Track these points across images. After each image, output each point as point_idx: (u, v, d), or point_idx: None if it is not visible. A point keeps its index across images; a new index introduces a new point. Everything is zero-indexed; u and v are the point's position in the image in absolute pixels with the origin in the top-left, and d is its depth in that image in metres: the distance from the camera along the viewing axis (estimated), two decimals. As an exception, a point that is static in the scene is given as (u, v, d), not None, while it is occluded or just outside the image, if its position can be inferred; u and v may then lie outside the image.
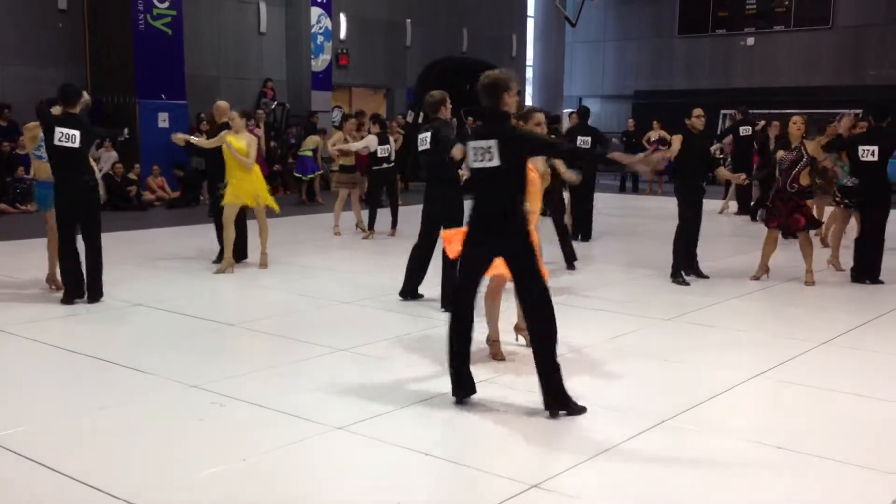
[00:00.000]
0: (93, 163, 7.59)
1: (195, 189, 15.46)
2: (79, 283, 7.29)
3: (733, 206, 14.80)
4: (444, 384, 5.14)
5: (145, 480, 3.82)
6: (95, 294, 7.29)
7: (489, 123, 4.70)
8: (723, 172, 9.09)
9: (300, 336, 6.29)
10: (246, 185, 8.68)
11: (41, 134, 7.29)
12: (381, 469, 3.97)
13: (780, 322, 7.15)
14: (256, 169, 8.82)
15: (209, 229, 9.32)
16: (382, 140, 11.47)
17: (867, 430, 4.56)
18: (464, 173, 7.50)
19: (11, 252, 10.00)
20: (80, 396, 4.96)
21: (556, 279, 6.12)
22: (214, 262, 9.11)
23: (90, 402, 4.85)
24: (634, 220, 14.20)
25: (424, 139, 7.21)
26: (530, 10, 25.31)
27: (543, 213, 6.74)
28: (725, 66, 24.25)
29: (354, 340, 6.13)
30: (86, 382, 5.22)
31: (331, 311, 7.26)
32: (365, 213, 11.79)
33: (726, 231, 12.61)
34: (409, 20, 21.35)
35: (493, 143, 4.57)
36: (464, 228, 5.61)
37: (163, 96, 15.59)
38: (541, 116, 5.78)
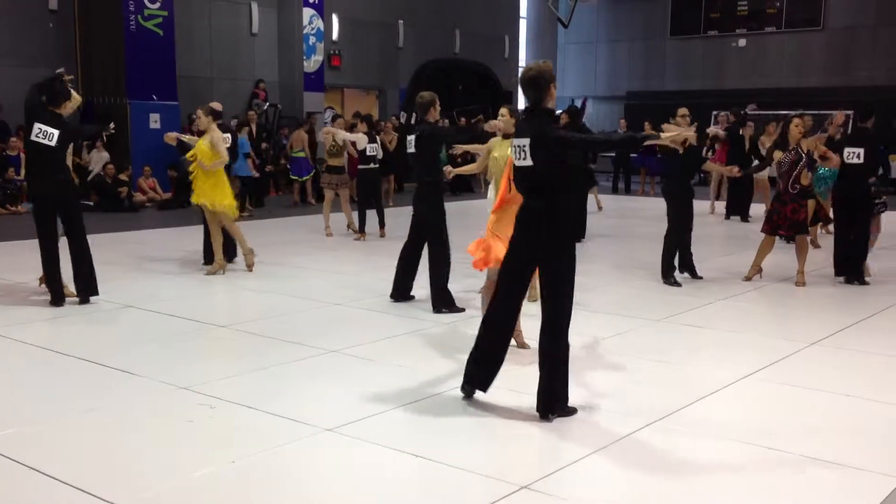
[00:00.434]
0: (69, 163, 7.49)
1: (187, 190, 15.40)
2: (62, 289, 7.24)
3: (719, 206, 14.85)
4: (434, 385, 5.14)
5: (134, 483, 3.80)
6: (89, 292, 7.23)
7: (529, 120, 4.56)
8: (711, 165, 9.09)
9: (290, 337, 6.28)
10: (207, 186, 8.58)
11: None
12: (371, 470, 3.97)
13: (771, 323, 7.17)
14: (220, 173, 8.63)
15: (201, 231, 9.29)
16: (371, 139, 11.47)
17: (856, 430, 4.57)
18: (449, 171, 7.54)
19: (1, 253, 9.95)
20: (68, 398, 4.94)
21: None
22: (205, 263, 9.09)
23: (79, 403, 4.83)
24: (627, 220, 14.22)
25: (411, 142, 7.22)
26: (523, 11, 25.35)
27: None
28: (717, 68, 24.32)
29: (344, 342, 6.12)
30: (75, 384, 5.20)
31: (321, 312, 7.25)
32: (355, 215, 11.77)
33: (718, 232, 12.65)
34: (401, 21, 21.35)
35: (526, 141, 4.46)
36: (483, 238, 5.65)
37: (154, 97, 15.57)
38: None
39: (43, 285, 7.58)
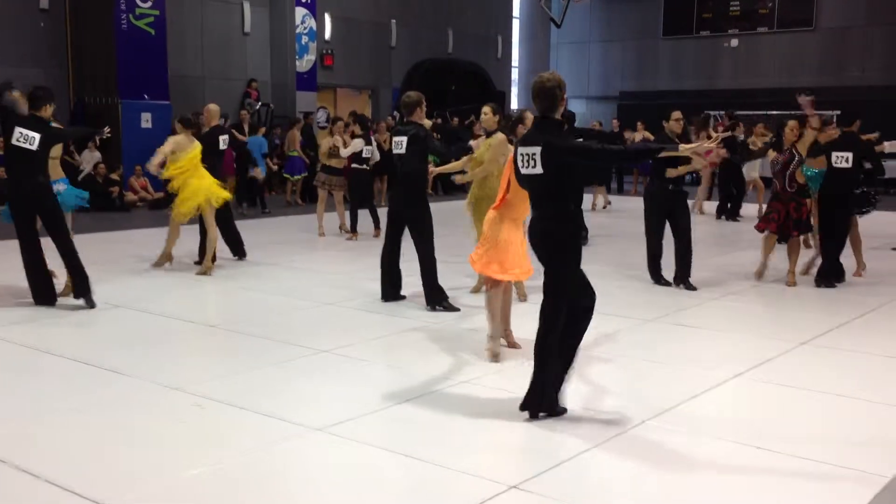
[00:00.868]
0: (57, 166, 7.42)
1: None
2: (48, 290, 7.19)
3: (708, 206, 14.89)
4: (425, 385, 5.14)
5: (124, 483, 3.79)
6: (83, 292, 7.13)
7: (539, 129, 4.57)
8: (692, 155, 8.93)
9: (281, 337, 6.27)
10: (203, 187, 8.64)
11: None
12: (361, 470, 3.96)
13: (762, 322, 7.18)
14: (192, 178, 8.66)
15: (192, 230, 9.26)
16: (366, 141, 11.49)
17: (846, 429, 4.59)
18: (432, 171, 7.56)
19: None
20: (57, 398, 4.92)
21: (538, 279, 6.10)
22: (196, 262, 9.07)
23: (68, 404, 4.81)
24: (620, 220, 14.23)
25: (399, 143, 7.15)
26: (515, 11, 25.35)
27: None
28: (710, 68, 24.37)
29: (336, 341, 6.11)
30: (64, 384, 5.18)
31: (312, 312, 7.23)
32: (347, 215, 11.76)
33: (709, 231, 12.67)
34: (394, 21, 21.33)
35: (537, 150, 4.45)
36: (480, 251, 5.68)
37: (146, 97, 15.52)
38: (531, 116, 5.79)
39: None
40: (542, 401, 4.59)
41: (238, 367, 5.57)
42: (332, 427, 4.42)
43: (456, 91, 21.99)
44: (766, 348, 6.08)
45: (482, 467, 3.98)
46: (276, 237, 11.64)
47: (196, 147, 8.75)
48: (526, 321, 6.00)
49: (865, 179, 9.16)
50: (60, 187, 7.55)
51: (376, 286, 7.68)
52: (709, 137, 11.84)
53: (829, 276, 8.42)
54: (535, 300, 6.64)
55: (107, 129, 8.36)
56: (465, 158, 7.36)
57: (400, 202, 7.27)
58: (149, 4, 15.51)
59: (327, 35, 19.84)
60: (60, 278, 7.49)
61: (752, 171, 13.83)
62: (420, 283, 7.23)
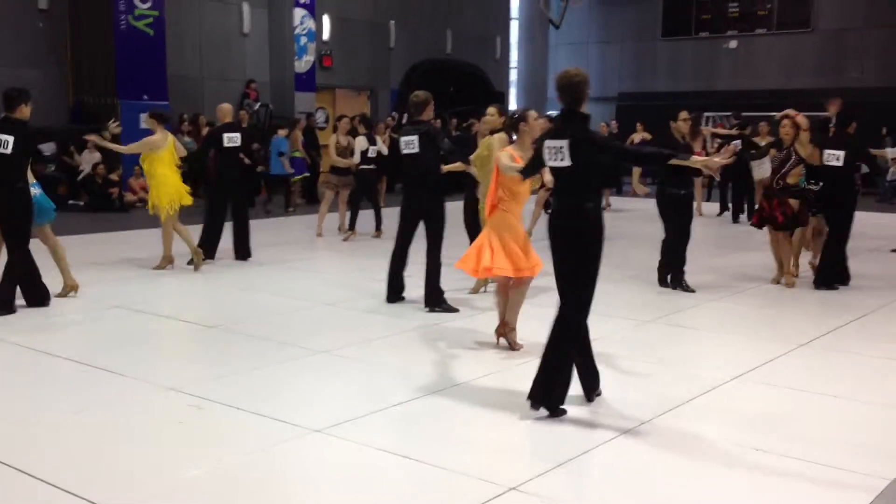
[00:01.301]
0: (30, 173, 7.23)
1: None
2: (41, 292, 7.12)
3: (708, 208, 14.90)
4: (424, 386, 5.14)
5: (121, 484, 3.79)
6: (38, 299, 7.03)
7: (566, 123, 4.66)
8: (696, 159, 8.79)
9: (280, 337, 6.27)
10: (170, 187, 8.74)
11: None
12: (359, 472, 3.96)
13: (760, 324, 7.18)
14: (163, 174, 8.74)
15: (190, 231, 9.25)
16: (370, 140, 11.49)
17: (845, 431, 4.59)
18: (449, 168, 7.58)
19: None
20: (55, 399, 4.92)
21: (538, 279, 6.12)
22: (189, 263, 9.08)
23: (66, 404, 4.81)
24: (618, 221, 14.23)
25: (411, 142, 7.11)
26: (514, 12, 25.34)
27: (546, 208, 6.75)
28: (708, 69, 24.37)
29: (334, 342, 6.11)
30: (62, 385, 5.18)
31: (311, 312, 7.23)
32: (329, 217, 11.77)
33: (708, 233, 12.67)
34: (392, 21, 21.32)
35: (564, 143, 4.55)
36: (472, 248, 5.74)
37: (145, 97, 15.49)
38: (534, 114, 5.84)
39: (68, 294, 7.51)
40: (551, 399, 4.62)
41: (237, 367, 5.57)
42: (331, 428, 4.42)
43: (455, 92, 21.98)
44: (766, 350, 6.08)
45: (481, 468, 3.98)
46: (277, 238, 11.63)
47: (170, 141, 8.85)
48: (530, 323, 6.01)
49: (864, 181, 9.15)
50: (35, 191, 7.23)
51: (376, 286, 7.68)
52: (704, 140, 11.84)
53: (829, 278, 8.41)
54: (536, 301, 6.66)
55: (113, 123, 8.20)
56: (475, 155, 7.46)
57: (417, 201, 7.20)
58: (148, 5, 15.49)
59: (326, 36, 19.83)
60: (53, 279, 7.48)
61: (764, 172, 13.68)
62: (416, 284, 7.23)
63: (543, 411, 4.67)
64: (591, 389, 4.89)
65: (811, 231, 9.41)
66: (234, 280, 8.61)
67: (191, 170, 14.49)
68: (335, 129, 12.32)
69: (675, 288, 8.20)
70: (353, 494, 3.73)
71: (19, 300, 7.18)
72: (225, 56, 18.05)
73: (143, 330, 6.59)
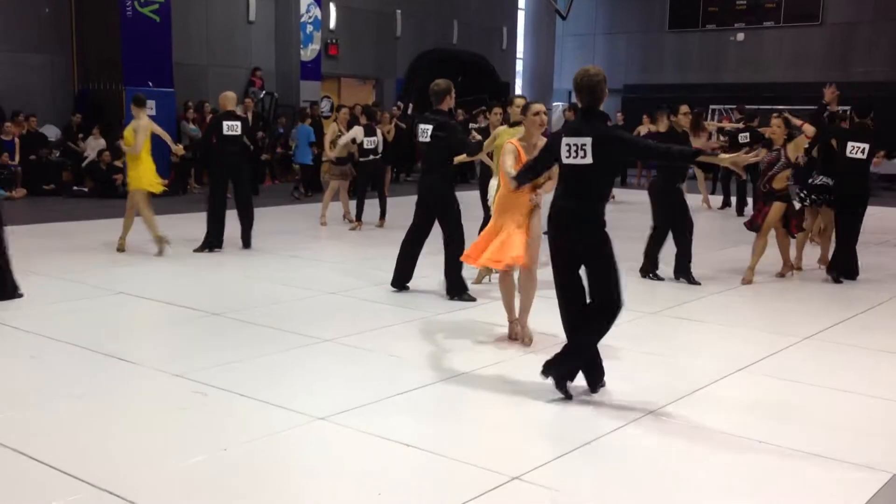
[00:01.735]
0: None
1: (182, 178, 15.38)
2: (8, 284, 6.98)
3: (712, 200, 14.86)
4: (429, 375, 5.14)
5: (127, 469, 3.79)
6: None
7: (587, 120, 4.68)
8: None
9: (284, 326, 6.27)
10: (137, 171, 8.94)
11: None
12: (363, 460, 3.96)
13: (765, 317, 7.16)
14: (143, 156, 8.96)
15: (193, 218, 9.27)
16: (369, 132, 11.46)
17: (849, 424, 4.58)
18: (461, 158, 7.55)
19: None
20: (61, 385, 4.92)
21: (539, 273, 6.11)
22: (196, 250, 9.10)
23: (71, 390, 4.82)
24: (621, 213, 14.20)
25: (426, 131, 7.08)
26: (521, 3, 25.26)
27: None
28: (715, 62, 24.28)
29: (339, 331, 6.11)
30: (67, 371, 5.19)
31: (315, 301, 7.23)
32: (352, 205, 11.76)
33: (714, 226, 12.64)
34: (399, 11, 21.27)
35: (588, 140, 4.56)
36: (477, 241, 5.70)
37: (150, 84, 15.48)
38: (539, 107, 5.78)
39: None
40: (562, 372, 4.70)
41: (241, 355, 5.57)
42: (335, 416, 4.42)
43: (461, 82, 21.91)
44: (771, 343, 6.07)
45: (485, 458, 3.98)
46: (281, 226, 11.63)
47: (149, 125, 9.02)
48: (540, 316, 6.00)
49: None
50: None
51: (380, 275, 7.68)
52: (709, 135, 11.78)
53: (845, 266, 8.38)
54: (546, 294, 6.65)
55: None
56: (486, 143, 7.45)
57: (427, 188, 7.20)
58: (154, -8, 15.48)
59: (332, 24, 19.79)
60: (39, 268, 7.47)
61: None
62: (422, 274, 7.22)
63: (546, 402, 4.67)
64: (596, 382, 4.91)
65: (816, 226, 9.37)
66: (238, 268, 8.61)
67: (194, 157, 14.54)
68: (334, 120, 12.30)
69: (679, 280, 8.20)
70: (357, 482, 3.73)
71: (34, 282, 7.20)
72: (231, 44, 18.03)
73: (147, 316, 6.59)
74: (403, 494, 3.63)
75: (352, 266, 8.94)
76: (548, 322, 5.83)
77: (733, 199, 14.80)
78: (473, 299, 7.11)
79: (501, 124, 7.98)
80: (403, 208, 12.66)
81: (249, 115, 15.49)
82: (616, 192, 17.31)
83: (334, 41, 19.81)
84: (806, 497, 3.71)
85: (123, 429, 4.28)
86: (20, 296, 6.91)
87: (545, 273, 5.57)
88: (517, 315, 5.95)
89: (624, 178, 19.68)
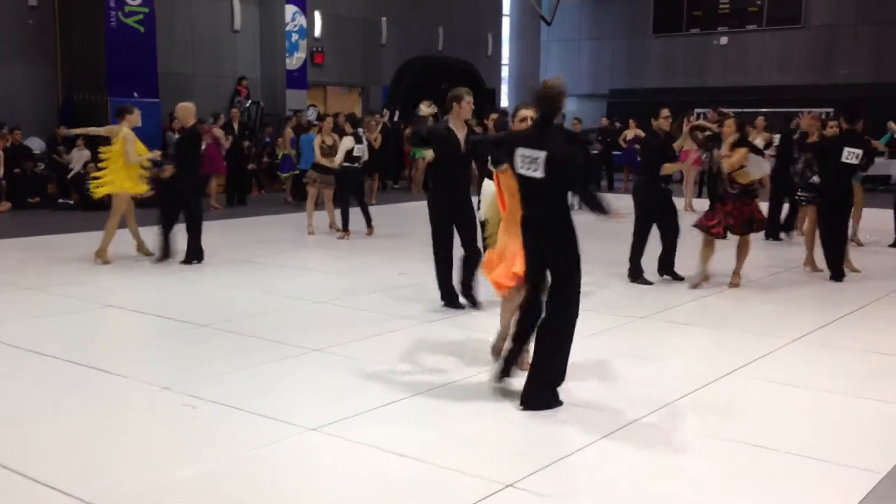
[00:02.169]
0: None
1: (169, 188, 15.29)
2: None
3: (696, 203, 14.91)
4: (420, 384, 5.13)
5: (117, 484, 3.76)
6: None
7: (543, 133, 4.69)
8: (670, 167, 8.68)
9: (273, 336, 6.24)
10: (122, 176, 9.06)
11: None
12: (355, 470, 3.95)
13: (753, 319, 7.18)
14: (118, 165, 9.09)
15: (180, 230, 9.21)
16: (357, 140, 11.45)
17: (838, 426, 4.60)
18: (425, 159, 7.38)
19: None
20: (49, 399, 4.88)
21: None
22: (183, 262, 9.07)
23: (59, 405, 4.78)
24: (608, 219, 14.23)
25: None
26: (506, 9, 25.34)
27: None
28: (700, 65, 24.42)
29: (327, 341, 6.09)
30: (55, 385, 5.14)
31: (303, 311, 7.21)
32: (337, 213, 11.72)
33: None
34: (384, 18, 21.29)
35: (542, 155, 4.58)
36: (492, 256, 5.50)
37: (135, 94, 15.42)
38: (527, 113, 5.62)
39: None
40: (545, 394, 4.69)
41: (230, 366, 5.54)
42: (326, 426, 4.40)
43: (446, 89, 21.96)
44: (759, 345, 6.09)
45: (477, 466, 3.97)
46: (267, 236, 11.60)
47: (121, 135, 9.07)
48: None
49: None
50: None
51: (368, 284, 7.67)
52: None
53: (841, 269, 8.50)
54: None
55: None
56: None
57: (459, 199, 7.04)
58: (138, 2, 15.42)
59: (317, 32, 19.78)
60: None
61: (763, 170, 13.55)
62: (411, 282, 7.21)
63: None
64: (508, 370, 4.94)
65: (810, 225, 9.34)
66: (226, 278, 8.57)
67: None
68: (319, 129, 12.26)
69: (663, 276, 8.33)
70: (349, 493, 3.71)
71: (23, 295, 7.16)
72: (216, 53, 17.99)
73: (134, 329, 6.56)
74: (402, 503, 3.63)
75: (339, 275, 8.92)
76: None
77: None
78: (461, 307, 7.11)
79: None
80: (391, 217, 12.69)
81: (236, 125, 15.48)
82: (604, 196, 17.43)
83: (320, 49, 19.80)
84: (798, 499, 3.72)
85: (112, 443, 4.24)
86: None
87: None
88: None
89: (611, 183, 19.76)
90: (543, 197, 4.67)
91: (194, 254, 9.13)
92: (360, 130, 12.25)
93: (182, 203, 9.03)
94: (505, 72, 25.57)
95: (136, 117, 9.35)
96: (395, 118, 19.93)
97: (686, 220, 8.82)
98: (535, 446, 4.33)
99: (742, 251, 8.16)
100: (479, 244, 6.73)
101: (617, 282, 8.41)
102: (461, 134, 6.90)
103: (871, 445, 4.30)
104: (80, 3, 15.41)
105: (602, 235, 12.06)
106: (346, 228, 11.40)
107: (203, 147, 9.39)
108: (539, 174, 4.59)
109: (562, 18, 24.98)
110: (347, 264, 9.61)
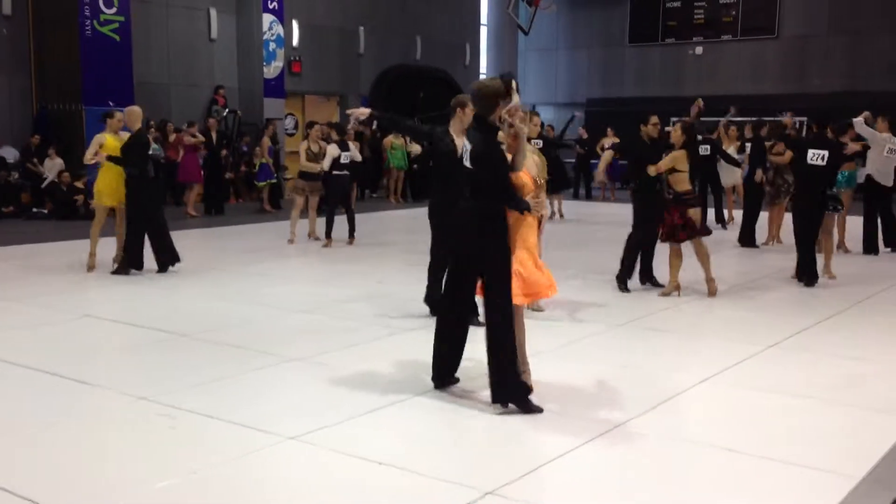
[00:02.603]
0: None
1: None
2: None
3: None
4: (399, 392, 5.12)
5: (94, 496, 3.73)
6: None
7: (475, 129, 4.87)
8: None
9: (252, 346, 6.21)
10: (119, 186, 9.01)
11: None
12: (335, 479, 3.93)
13: (731, 326, 7.25)
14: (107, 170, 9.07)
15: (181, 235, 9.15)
16: (343, 147, 11.45)
17: (815, 431, 4.65)
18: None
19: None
20: (24, 410, 4.83)
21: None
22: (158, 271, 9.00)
23: (35, 415, 4.73)
24: (587, 226, 14.33)
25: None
26: (483, 19, 25.45)
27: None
28: (675, 75, 24.65)
29: (307, 350, 6.07)
30: (30, 395, 5.09)
31: (284, 320, 7.18)
32: (320, 222, 11.70)
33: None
34: (362, 27, 21.30)
35: (469, 147, 4.82)
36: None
37: (110, 103, 15.30)
38: (520, 114, 5.58)
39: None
40: (505, 392, 4.74)
41: (209, 376, 5.50)
42: (306, 435, 4.39)
43: (424, 98, 22.00)
44: (737, 351, 6.15)
45: (457, 473, 3.97)
46: (246, 245, 11.55)
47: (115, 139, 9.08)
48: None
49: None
50: None
51: (348, 293, 7.65)
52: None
53: (814, 273, 8.59)
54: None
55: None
56: None
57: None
58: (113, 11, 15.33)
59: (295, 42, 19.75)
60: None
61: (734, 178, 13.68)
62: (374, 292, 7.21)
63: (519, 415, 4.69)
64: (445, 377, 5.11)
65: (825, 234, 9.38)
66: (206, 288, 8.52)
67: (157, 176, 14.37)
68: (306, 136, 12.24)
69: (643, 284, 8.40)
70: (329, 502, 3.70)
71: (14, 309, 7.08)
72: (192, 62, 17.91)
73: (112, 339, 6.50)
74: (377, 513, 3.62)
75: (320, 284, 8.89)
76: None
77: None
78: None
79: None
80: (369, 226, 12.68)
81: (213, 135, 15.41)
82: (580, 205, 17.52)
83: (297, 58, 19.77)
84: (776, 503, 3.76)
85: (90, 454, 4.20)
86: None
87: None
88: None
89: (588, 191, 19.88)
90: (479, 188, 4.79)
91: (166, 258, 9.06)
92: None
93: (140, 211, 8.93)
94: (483, 81, 25.63)
95: (116, 122, 9.27)
96: (374, 126, 19.90)
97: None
98: (514, 454, 4.33)
99: (699, 258, 8.06)
100: None
101: (596, 289, 8.45)
102: (459, 141, 6.87)
103: (847, 450, 4.35)
104: (55, 11, 15.29)
105: (586, 243, 12.14)
106: (328, 236, 11.36)
107: (181, 155, 9.28)
108: (469, 165, 4.82)
109: (539, 28, 25.14)
110: (327, 273, 9.59)
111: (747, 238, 11.55)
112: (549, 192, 9.61)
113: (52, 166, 14.73)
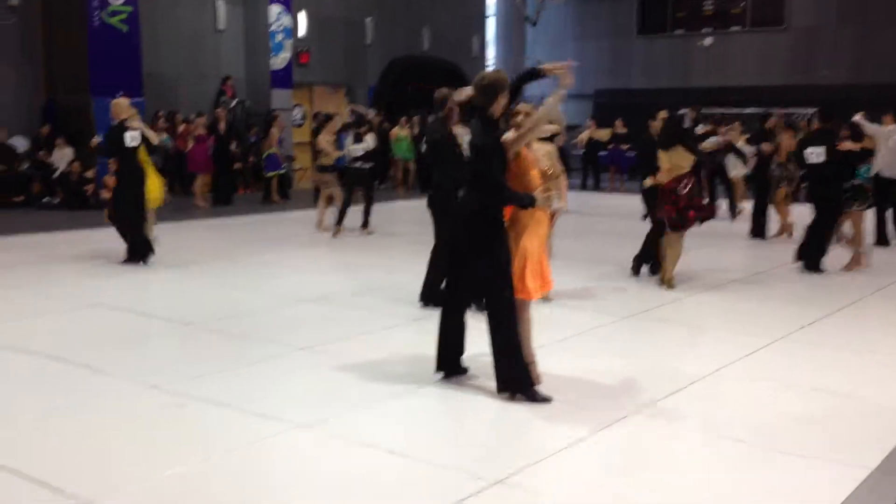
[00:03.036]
0: None
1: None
2: None
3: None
4: (408, 381, 5.14)
5: (106, 482, 3.76)
6: None
7: (477, 122, 4.84)
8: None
9: (261, 334, 6.24)
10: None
11: None
12: (344, 467, 3.96)
13: (740, 318, 7.23)
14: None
15: (166, 229, 9.19)
16: (357, 139, 11.44)
17: (825, 422, 4.65)
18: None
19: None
20: (36, 398, 4.87)
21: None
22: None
23: (47, 403, 4.76)
24: (596, 217, 14.30)
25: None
26: (491, 10, 25.38)
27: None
28: (683, 66, 24.56)
29: (315, 339, 6.09)
30: (42, 384, 5.12)
31: (291, 309, 7.20)
32: (329, 212, 11.69)
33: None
34: (369, 18, 21.27)
35: (467, 140, 4.87)
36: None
37: (119, 94, 15.33)
38: (524, 107, 5.50)
39: None
40: (514, 378, 4.78)
41: (218, 364, 5.53)
42: (314, 424, 4.41)
43: (431, 89, 22.00)
44: (746, 343, 6.14)
45: (466, 463, 3.99)
46: (254, 235, 11.57)
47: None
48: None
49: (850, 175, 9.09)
50: None
51: (356, 282, 7.67)
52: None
53: (816, 260, 8.63)
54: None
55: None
56: None
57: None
58: (121, 1, 15.30)
59: (302, 32, 19.74)
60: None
61: (734, 169, 13.68)
62: (383, 282, 7.22)
63: (526, 405, 4.70)
64: (451, 366, 5.13)
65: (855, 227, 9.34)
66: (214, 277, 8.55)
67: (164, 168, 14.42)
68: (315, 130, 12.23)
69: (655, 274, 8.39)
70: (339, 490, 3.73)
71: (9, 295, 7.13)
72: (200, 53, 17.91)
73: (121, 328, 6.53)
74: (391, 500, 3.64)
75: (327, 274, 8.92)
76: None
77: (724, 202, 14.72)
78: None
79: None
80: (378, 216, 12.67)
81: (222, 126, 15.42)
82: (588, 196, 17.48)
83: (305, 49, 19.75)
84: (787, 494, 3.76)
85: (102, 441, 4.24)
86: None
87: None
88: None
89: (597, 183, 19.82)
90: (475, 177, 4.80)
91: (138, 249, 9.01)
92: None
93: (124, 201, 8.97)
94: (490, 72, 25.61)
95: (118, 109, 9.23)
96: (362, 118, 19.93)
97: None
98: (523, 443, 4.35)
99: (668, 250, 8.03)
100: None
101: (606, 280, 8.45)
102: (458, 131, 6.92)
103: (857, 440, 4.36)
104: (63, 2, 15.30)
105: (588, 234, 12.13)
106: (339, 223, 11.29)
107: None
108: (468, 156, 4.87)
109: (547, 19, 25.07)
110: (335, 263, 9.61)
111: (757, 230, 11.54)
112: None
113: (62, 156, 14.76)
